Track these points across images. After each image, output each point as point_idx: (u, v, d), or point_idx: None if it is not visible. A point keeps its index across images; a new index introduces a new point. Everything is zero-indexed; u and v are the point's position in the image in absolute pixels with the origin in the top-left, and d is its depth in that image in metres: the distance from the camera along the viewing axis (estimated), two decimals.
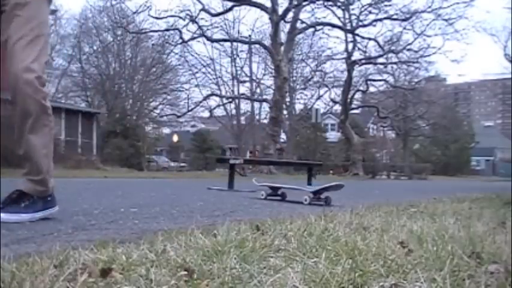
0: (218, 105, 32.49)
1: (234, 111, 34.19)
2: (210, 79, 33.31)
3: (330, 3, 23.95)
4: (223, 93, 32.20)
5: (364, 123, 39.12)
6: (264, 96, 30.82)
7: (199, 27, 23.21)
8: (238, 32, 30.73)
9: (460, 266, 1.39)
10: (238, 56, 32.31)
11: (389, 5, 23.66)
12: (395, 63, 28.49)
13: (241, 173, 16.79)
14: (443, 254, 1.52)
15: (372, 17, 24.47)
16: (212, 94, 29.73)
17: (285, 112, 30.30)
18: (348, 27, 25.32)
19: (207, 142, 36.40)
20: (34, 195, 2.47)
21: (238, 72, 32.87)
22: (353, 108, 31.08)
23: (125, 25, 26.99)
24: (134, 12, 24.46)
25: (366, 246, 1.65)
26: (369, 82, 31.16)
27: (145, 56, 31.26)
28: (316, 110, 24.23)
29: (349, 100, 27.58)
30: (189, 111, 30.21)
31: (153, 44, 29.91)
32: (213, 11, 23.49)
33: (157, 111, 33.82)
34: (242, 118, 34.92)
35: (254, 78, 32.64)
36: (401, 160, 38.36)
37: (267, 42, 24.78)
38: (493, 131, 70.10)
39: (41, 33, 2.49)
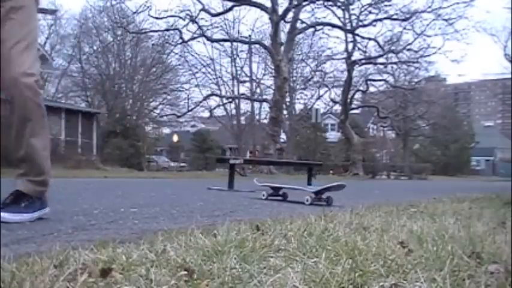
0: (218, 105, 32.55)
1: (234, 111, 34.21)
2: (210, 79, 33.38)
3: (330, 3, 23.95)
4: (223, 93, 32.22)
5: (364, 123, 39.13)
6: (264, 96, 30.84)
7: (199, 27, 23.21)
8: (238, 32, 30.80)
9: (460, 266, 1.39)
10: (238, 56, 32.38)
11: (390, 5, 23.69)
12: (395, 63, 28.49)
13: (241, 173, 16.80)
14: (443, 254, 1.52)
15: (372, 17, 24.52)
16: (212, 94, 29.74)
17: (285, 112, 30.30)
18: (348, 27, 25.32)
19: (207, 142, 36.40)
20: (33, 196, 2.49)
21: (238, 72, 32.93)
22: (353, 108, 31.08)
23: (125, 25, 26.99)
24: (134, 12, 24.49)
25: (366, 246, 1.65)
26: (369, 82, 31.16)
27: (145, 56, 31.27)
28: (316, 110, 24.23)
29: (349, 100, 27.58)
30: (189, 111, 30.23)
31: (153, 44, 29.92)
32: (213, 11, 23.52)
33: (157, 111, 33.88)
34: (242, 118, 34.93)
35: (254, 78, 32.68)
36: (401, 160, 38.36)
37: (267, 42, 24.78)
38: (493, 131, 70.12)
39: (35, 38, 2.58)
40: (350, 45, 26.06)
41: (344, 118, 26.85)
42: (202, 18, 23.24)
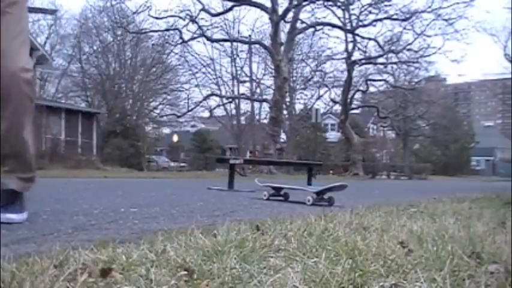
0: (218, 105, 32.54)
1: (234, 111, 34.20)
2: (210, 79, 33.37)
3: (330, 3, 23.95)
4: (223, 93, 32.22)
5: (364, 123, 39.13)
6: (264, 96, 30.83)
7: (199, 27, 23.22)
8: (238, 32, 30.79)
9: (460, 266, 1.39)
10: (238, 56, 32.36)
11: (390, 5, 23.69)
12: (395, 63, 28.49)
13: (241, 173, 16.81)
14: (443, 254, 1.52)
15: (372, 17, 24.51)
16: (212, 94, 29.74)
17: (285, 112, 30.30)
18: (348, 27, 25.31)
19: (207, 142, 36.40)
20: (22, 193, 2.46)
21: (238, 72, 32.92)
22: (353, 108, 31.08)
23: (125, 25, 26.99)
24: (134, 12, 24.50)
25: (366, 246, 1.64)
26: (369, 82, 31.16)
27: (145, 56, 31.26)
28: (316, 110, 24.22)
29: (349, 100, 27.58)
30: (189, 111, 30.23)
31: (153, 44, 29.91)
32: (213, 11, 23.53)
33: (157, 111, 33.87)
34: (242, 118, 34.92)
35: (254, 78, 32.67)
36: (401, 160, 38.36)
37: (267, 42, 24.78)
38: (493, 131, 70.13)
39: (28, 33, 2.57)
40: (350, 45, 26.09)
41: (344, 118, 26.85)
42: (202, 18, 23.28)
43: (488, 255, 1.53)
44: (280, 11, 22.13)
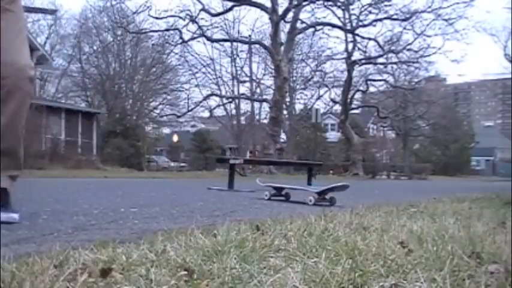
0: (218, 105, 32.53)
1: (234, 111, 34.19)
2: (210, 79, 33.36)
3: (330, 3, 23.95)
4: (223, 93, 32.21)
5: (364, 123, 39.13)
6: (264, 96, 30.83)
7: (199, 27, 23.22)
8: (238, 32, 30.78)
9: (460, 266, 1.39)
10: (238, 56, 32.36)
11: (390, 5, 23.70)
12: (395, 63, 28.49)
13: (241, 173, 16.81)
14: (443, 254, 1.52)
15: (372, 17, 24.52)
16: (212, 94, 29.74)
17: (285, 112, 30.30)
18: (348, 27, 25.32)
19: (207, 142, 36.40)
20: (9, 192, 2.40)
21: (238, 72, 32.91)
22: (353, 108, 31.08)
23: (125, 25, 26.99)
24: (134, 12, 24.50)
25: (366, 246, 1.64)
26: (369, 82, 31.17)
27: (145, 56, 31.26)
28: (316, 110, 24.22)
29: (349, 100, 27.58)
30: (189, 111, 30.23)
31: (153, 44, 29.92)
32: (213, 11, 23.53)
33: (157, 111, 33.87)
34: (242, 118, 34.91)
35: (254, 78, 32.66)
36: (401, 160, 38.36)
37: (267, 42, 24.78)
38: (493, 131, 70.12)
39: (27, 32, 2.61)
40: (350, 45, 26.09)
41: (344, 118, 26.84)
42: (202, 18, 23.28)
43: (488, 255, 1.53)
44: (280, 11, 22.13)
